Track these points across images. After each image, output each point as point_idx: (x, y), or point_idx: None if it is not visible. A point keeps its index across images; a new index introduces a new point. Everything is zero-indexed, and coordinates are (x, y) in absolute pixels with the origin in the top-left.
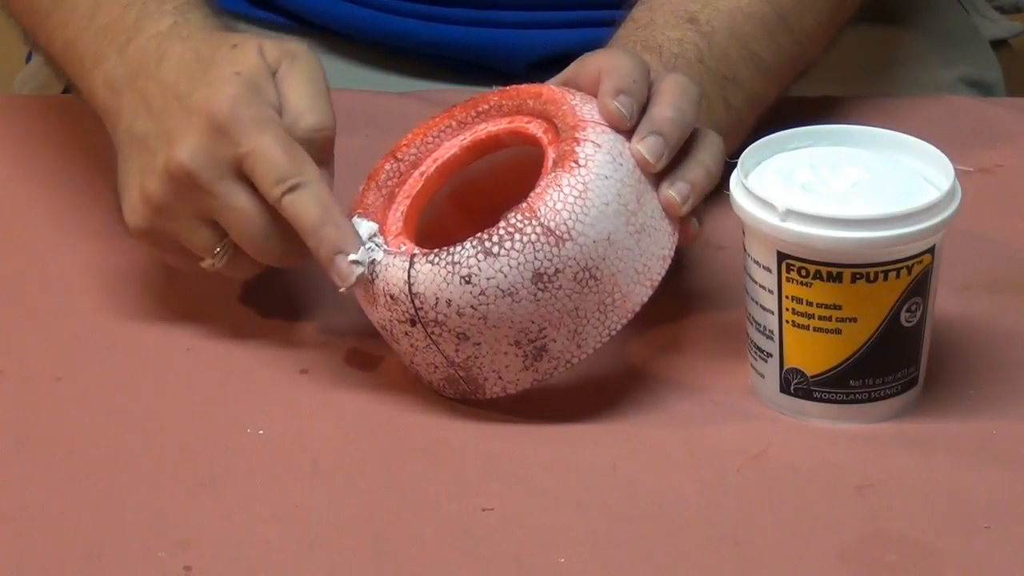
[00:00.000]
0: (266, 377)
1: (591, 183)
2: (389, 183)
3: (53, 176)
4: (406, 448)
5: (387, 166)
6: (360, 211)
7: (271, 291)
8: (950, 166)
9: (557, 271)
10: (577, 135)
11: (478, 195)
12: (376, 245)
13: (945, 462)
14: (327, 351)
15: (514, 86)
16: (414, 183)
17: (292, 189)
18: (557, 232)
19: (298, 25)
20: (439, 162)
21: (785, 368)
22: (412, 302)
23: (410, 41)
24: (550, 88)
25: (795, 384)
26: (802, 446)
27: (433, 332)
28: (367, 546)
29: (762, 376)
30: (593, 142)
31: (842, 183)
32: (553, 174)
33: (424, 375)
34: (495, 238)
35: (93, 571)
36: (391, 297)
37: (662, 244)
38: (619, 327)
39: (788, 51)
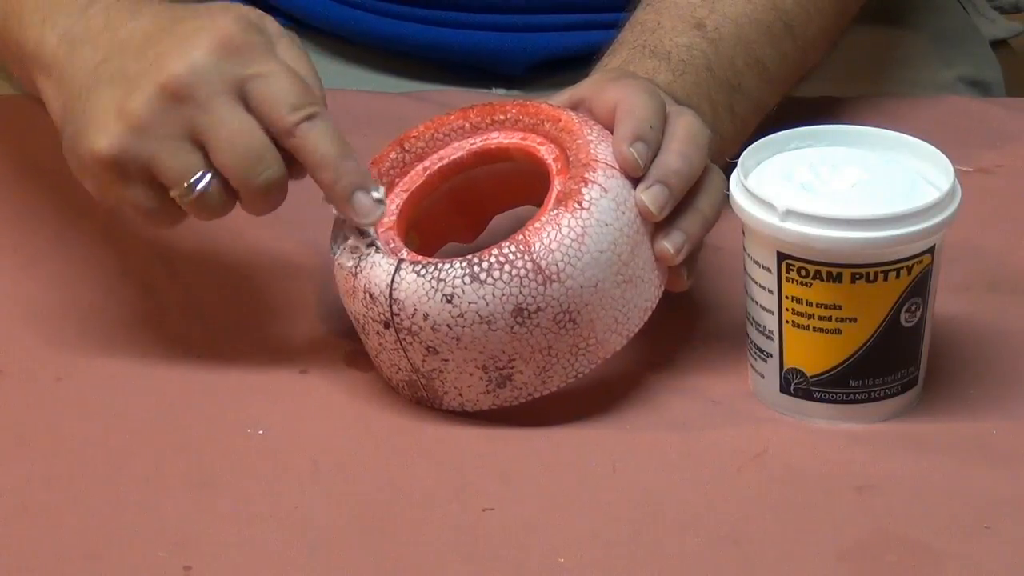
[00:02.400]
0: (266, 377)
1: (590, 228)
2: (391, 172)
3: (53, 176)
4: (406, 448)
5: (392, 155)
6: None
7: (271, 291)
8: (950, 166)
9: (539, 309)
10: (586, 175)
11: (473, 192)
12: (364, 233)
13: (945, 462)
14: (327, 351)
15: (534, 103)
16: (415, 177)
17: (310, 117)
18: (547, 271)
19: (296, 27)
20: (444, 161)
21: (785, 368)
22: (390, 306)
23: (409, 44)
24: (569, 116)
25: (795, 384)
26: (802, 446)
27: (404, 339)
28: (367, 546)
29: (762, 376)
30: (601, 185)
31: (842, 183)
32: (555, 211)
33: (386, 372)
34: (484, 264)
35: (93, 571)
36: (370, 295)
37: (647, 296)
38: (587, 371)
39: (792, 58)
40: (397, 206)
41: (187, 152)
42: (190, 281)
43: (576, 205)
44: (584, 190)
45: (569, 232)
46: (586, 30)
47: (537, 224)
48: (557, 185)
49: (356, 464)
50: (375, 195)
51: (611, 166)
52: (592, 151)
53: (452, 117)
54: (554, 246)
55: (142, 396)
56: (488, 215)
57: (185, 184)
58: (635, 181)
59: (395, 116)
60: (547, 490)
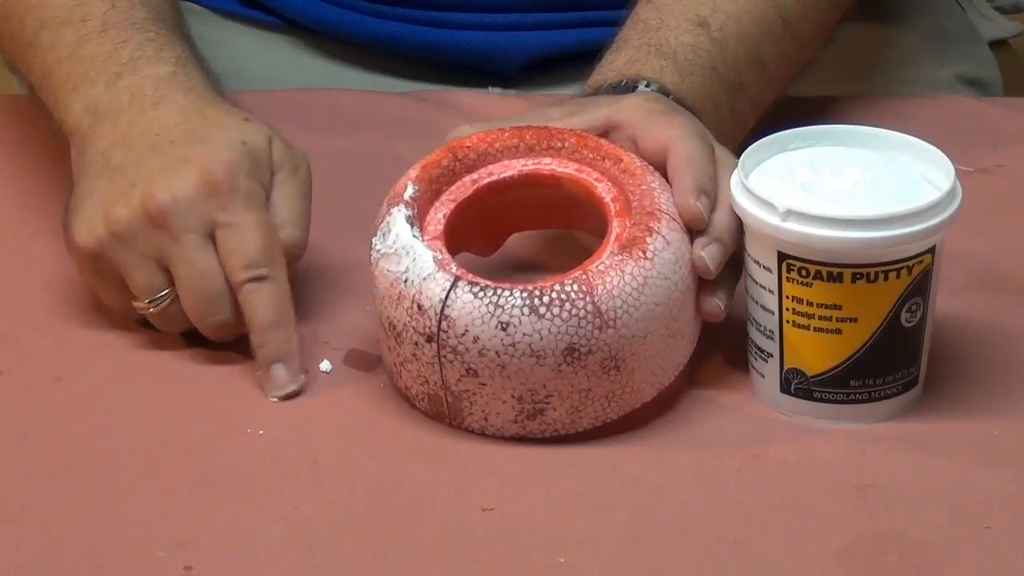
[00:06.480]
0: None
1: (651, 280)
2: (440, 179)
3: (53, 176)
4: (406, 448)
5: (444, 161)
6: (402, 203)
7: None
8: (950, 166)
9: (589, 351)
10: (651, 224)
11: (507, 209)
12: (416, 239)
13: (945, 462)
14: (327, 351)
15: (596, 137)
16: (463, 188)
17: (257, 279)
18: (605, 316)
19: (291, 27)
20: (493, 177)
21: (785, 368)
22: (439, 322)
23: (404, 45)
24: (631, 158)
25: (795, 384)
26: (802, 446)
27: (445, 356)
28: (367, 546)
29: (762, 376)
30: (664, 237)
31: (843, 183)
32: (619, 257)
33: (405, 381)
34: (545, 299)
35: (93, 571)
36: (419, 307)
37: (683, 352)
38: (615, 417)
39: (790, 55)
40: (444, 215)
41: (154, 272)
42: None
43: (640, 254)
44: (649, 240)
45: (632, 280)
46: (581, 28)
47: (601, 266)
48: (616, 227)
49: (356, 464)
50: (292, 387)
51: (673, 218)
52: (656, 199)
53: (508, 133)
54: (616, 292)
55: (142, 396)
56: (510, 232)
57: (147, 299)
58: (690, 234)
59: (395, 116)
60: (547, 490)
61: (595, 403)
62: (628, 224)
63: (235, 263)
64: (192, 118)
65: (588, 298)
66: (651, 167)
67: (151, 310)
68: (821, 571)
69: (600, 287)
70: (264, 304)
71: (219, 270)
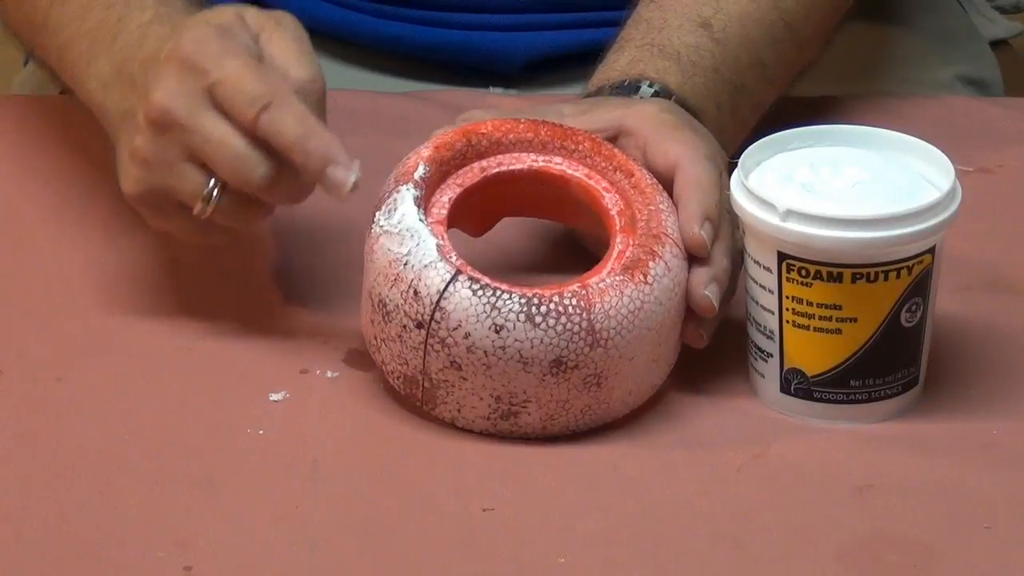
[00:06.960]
0: (266, 377)
1: (648, 304)
2: (451, 161)
3: (53, 176)
4: (406, 448)
5: (457, 144)
6: (412, 182)
7: (272, 291)
8: (950, 166)
9: (576, 366)
10: (655, 248)
11: (508, 198)
12: (422, 223)
13: (945, 462)
14: (327, 351)
15: (611, 146)
16: (471, 175)
17: (266, 108)
18: (598, 335)
19: None
20: (502, 168)
21: (785, 368)
22: (433, 312)
23: (405, 45)
24: (642, 174)
25: (795, 384)
26: (802, 446)
27: (432, 345)
28: (367, 546)
29: (762, 376)
30: (666, 263)
31: (842, 183)
32: (620, 278)
33: (383, 356)
34: (543, 309)
35: (93, 571)
36: (415, 292)
37: (660, 375)
38: (586, 429)
39: (791, 57)
40: (449, 199)
41: (191, 171)
42: (190, 281)
43: (641, 278)
44: (651, 264)
45: (629, 303)
46: (581, 28)
47: (601, 284)
48: (619, 244)
49: (356, 464)
50: (352, 177)
51: (676, 244)
52: (663, 222)
53: (523, 125)
54: (612, 312)
55: (142, 396)
56: (503, 216)
57: (200, 200)
58: (688, 259)
59: (395, 116)
60: (547, 490)
61: (569, 414)
62: (632, 243)
63: (236, 108)
64: (168, 35)
65: (585, 315)
66: (660, 186)
67: (210, 208)
68: (821, 571)
69: (598, 305)
70: (283, 125)
71: (235, 130)
